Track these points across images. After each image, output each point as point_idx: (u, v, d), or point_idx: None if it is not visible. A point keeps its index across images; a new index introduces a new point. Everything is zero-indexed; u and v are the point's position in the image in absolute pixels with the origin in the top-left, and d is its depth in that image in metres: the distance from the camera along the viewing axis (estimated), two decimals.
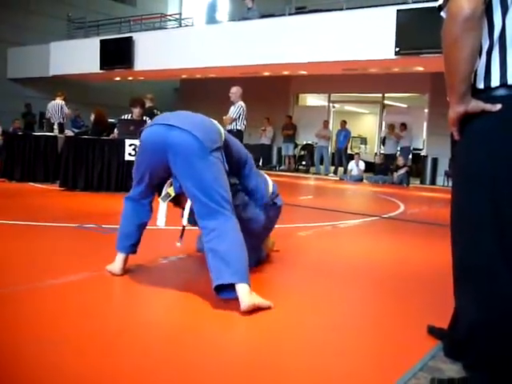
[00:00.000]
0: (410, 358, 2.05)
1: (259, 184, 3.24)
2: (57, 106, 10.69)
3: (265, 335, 2.29)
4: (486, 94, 1.73)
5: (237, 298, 2.47)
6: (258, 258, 3.40)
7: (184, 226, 2.98)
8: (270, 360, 2.00)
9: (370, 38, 11.58)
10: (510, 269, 1.75)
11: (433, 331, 2.27)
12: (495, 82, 1.71)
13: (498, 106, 1.69)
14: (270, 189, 3.34)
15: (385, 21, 11.27)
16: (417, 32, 10.39)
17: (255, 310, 2.46)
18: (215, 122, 2.94)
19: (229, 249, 2.56)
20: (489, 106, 1.70)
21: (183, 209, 2.93)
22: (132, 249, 3.04)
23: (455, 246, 1.86)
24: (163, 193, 2.90)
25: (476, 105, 1.72)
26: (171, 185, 2.87)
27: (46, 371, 1.77)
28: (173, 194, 2.87)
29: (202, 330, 2.29)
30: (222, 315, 2.45)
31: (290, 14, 13.91)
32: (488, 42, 1.71)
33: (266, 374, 1.87)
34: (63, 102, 10.80)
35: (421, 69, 12.73)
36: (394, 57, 11.28)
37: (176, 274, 3.27)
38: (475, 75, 1.75)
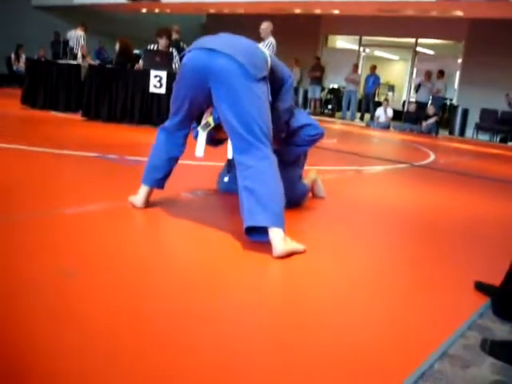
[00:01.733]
0: (457, 316, 1.88)
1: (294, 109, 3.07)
2: (74, 37, 10.57)
3: (298, 286, 2.13)
4: None
5: (269, 242, 2.30)
6: (303, 191, 3.31)
7: (229, 160, 2.81)
8: (300, 313, 1.84)
9: None
10: None
11: (481, 287, 2.09)
12: None
13: None
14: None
15: None
16: None
17: (289, 255, 2.30)
18: (260, 46, 2.69)
19: (265, 190, 2.36)
20: None
21: (220, 141, 2.77)
22: (159, 183, 2.85)
23: None
24: (203, 122, 2.72)
25: None
26: (211, 114, 2.67)
27: (58, 304, 1.62)
28: (212, 124, 2.67)
29: (231, 274, 2.13)
30: (253, 257, 2.28)
31: None
32: None
33: (294, 329, 1.71)
34: (82, 34, 10.68)
35: (460, 13, 12.11)
36: None
37: (203, 210, 3.10)
38: None
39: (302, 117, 3.18)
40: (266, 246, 2.31)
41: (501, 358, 1.59)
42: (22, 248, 2.09)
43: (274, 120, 2.61)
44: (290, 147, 3.15)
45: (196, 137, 2.82)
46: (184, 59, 2.60)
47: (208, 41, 2.58)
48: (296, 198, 3.24)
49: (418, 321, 1.84)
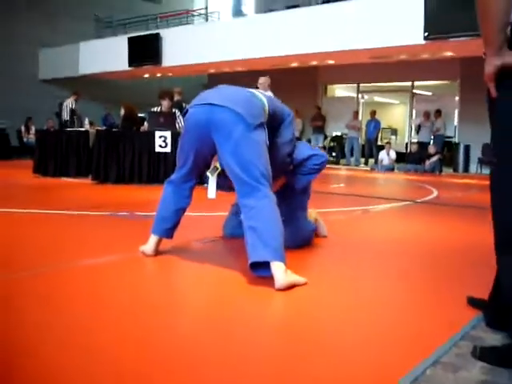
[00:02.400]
0: (451, 329, 2.00)
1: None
2: (65, 104, 11.53)
3: (299, 311, 2.26)
4: None
5: (272, 276, 2.45)
6: (311, 230, 3.49)
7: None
8: (302, 335, 1.98)
9: (398, 23, 11.39)
10: None
11: (473, 302, 2.22)
12: None
13: None
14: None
15: (413, 5, 11.06)
16: (445, 15, 10.17)
17: (291, 287, 2.44)
18: (257, 93, 2.91)
19: (265, 226, 2.54)
20: None
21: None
22: (167, 233, 3.03)
23: (502, 207, 1.80)
24: (211, 167, 2.95)
25: None
26: (218, 160, 2.89)
27: (80, 346, 1.77)
28: (219, 168, 2.89)
29: (236, 306, 2.28)
30: (257, 291, 2.43)
31: (315, 4, 13.80)
32: None
33: (297, 348, 1.85)
34: (71, 100, 11.43)
35: (450, 54, 12.48)
36: (422, 42, 11.07)
37: (210, 254, 3.25)
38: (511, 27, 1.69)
39: (306, 148, 3.41)
40: (270, 280, 2.45)
41: (490, 361, 1.71)
42: (43, 296, 2.26)
43: (275, 153, 2.87)
44: (298, 176, 3.36)
45: (206, 180, 3.04)
46: (187, 115, 2.84)
47: (207, 96, 2.82)
48: (306, 237, 3.43)
49: (414, 333, 1.98)
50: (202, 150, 2.84)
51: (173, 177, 3.03)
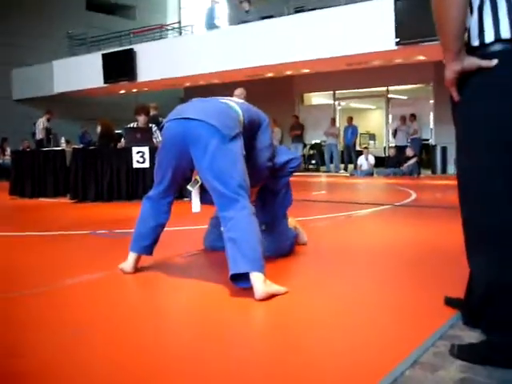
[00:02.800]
0: (429, 328, 2.02)
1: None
2: (37, 124, 11.65)
3: (280, 320, 2.27)
4: (482, 51, 1.71)
5: (252, 287, 2.45)
6: (290, 240, 3.48)
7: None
8: (285, 344, 1.99)
9: (370, 30, 11.54)
10: None
11: (450, 302, 2.24)
12: (489, 37, 1.69)
13: (494, 62, 1.67)
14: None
15: (383, 12, 11.22)
16: (416, 21, 10.30)
17: (271, 297, 2.45)
18: (232, 103, 2.90)
19: (243, 237, 2.54)
20: (485, 63, 1.68)
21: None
22: (146, 250, 3.02)
23: (467, 207, 1.83)
24: (192, 180, 2.94)
25: (472, 62, 1.70)
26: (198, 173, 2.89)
27: (70, 362, 1.76)
28: (200, 181, 2.88)
29: (217, 317, 2.28)
30: (239, 303, 2.44)
31: (288, 14, 13.91)
32: None
33: (277, 353, 1.85)
34: (42, 120, 11.42)
35: (423, 58, 12.65)
36: (395, 47, 11.23)
37: (191, 268, 3.26)
38: (469, 33, 1.73)
39: (284, 153, 3.45)
40: (251, 291, 2.45)
41: (467, 359, 1.73)
42: (27, 315, 2.24)
43: (255, 159, 2.93)
44: (277, 179, 3.38)
45: (186, 194, 3.05)
46: (163, 130, 2.85)
47: (182, 110, 2.83)
48: (288, 245, 3.45)
49: (393, 335, 2.01)
50: (180, 165, 2.84)
51: (151, 193, 3.01)
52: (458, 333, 1.99)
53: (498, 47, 1.69)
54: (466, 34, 1.73)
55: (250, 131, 2.94)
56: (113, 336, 2.04)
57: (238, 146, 2.72)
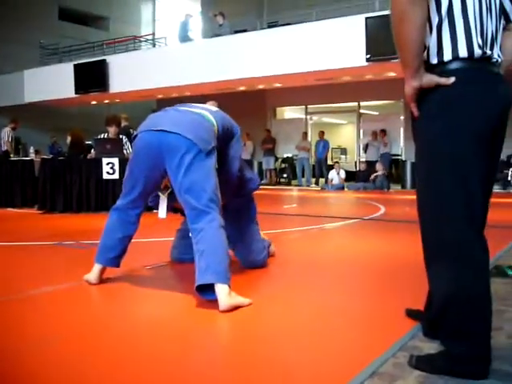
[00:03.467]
0: (390, 339, 2.05)
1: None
2: (2, 134, 11.12)
3: (241, 330, 2.29)
4: (440, 69, 1.77)
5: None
6: (263, 252, 3.48)
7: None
8: (248, 352, 2.00)
9: (342, 46, 11.73)
10: (480, 242, 1.77)
11: (411, 313, 2.29)
12: (447, 55, 1.75)
13: (452, 79, 1.73)
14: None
15: (355, 29, 11.43)
16: (386, 38, 10.35)
17: (235, 308, 2.46)
18: (206, 113, 2.90)
19: (211, 249, 2.56)
20: (443, 80, 1.74)
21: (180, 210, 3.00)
22: (112, 262, 2.99)
23: (426, 224, 1.88)
24: (162, 186, 2.95)
25: (430, 79, 1.76)
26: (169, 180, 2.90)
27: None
28: (170, 188, 2.89)
29: (181, 327, 2.28)
30: (204, 314, 2.44)
31: (261, 29, 14.05)
32: (437, 18, 1.75)
33: (238, 362, 1.86)
34: (7, 130, 11.02)
35: (393, 74, 12.87)
36: (365, 64, 11.42)
37: (157, 279, 3.24)
38: (428, 51, 1.78)
39: (247, 168, 3.48)
40: (216, 303, 2.46)
41: (425, 369, 1.77)
42: None
43: (229, 168, 2.98)
44: (239, 199, 3.38)
45: (151, 202, 3.07)
46: (136, 140, 2.84)
47: (158, 121, 2.83)
48: (262, 259, 3.45)
49: (355, 346, 2.04)
50: (152, 176, 2.84)
51: (118, 203, 2.98)
52: (418, 344, 2.03)
53: (455, 65, 1.75)
54: (426, 52, 1.78)
55: (224, 140, 2.97)
56: (75, 346, 2.02)
57: (212, 161, 2.75)
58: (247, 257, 3.35)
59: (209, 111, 2.97)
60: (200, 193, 2.64)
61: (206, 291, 2.54)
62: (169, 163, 2.70)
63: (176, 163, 2.67)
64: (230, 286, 2.49)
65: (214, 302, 2.48)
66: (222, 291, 2.45)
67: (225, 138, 2.98)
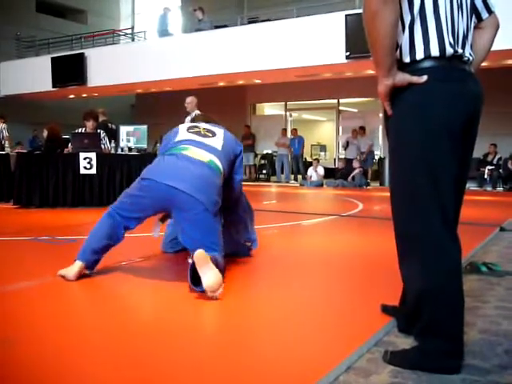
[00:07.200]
0: (365, 335, 2.07)
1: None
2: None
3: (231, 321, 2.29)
4: (412, 67, 1.79)
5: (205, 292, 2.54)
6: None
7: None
8: (235, 339, 2.00)
9: (321, 43, 11.76)
10: (452, 238, 1.80)
11: (386, 309, 2.30)
12: (420, 54, 1.77)
13: (424, 78, 1.75)
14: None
15: (335, 26, 11.47)
16: (365, 35, 10.55)
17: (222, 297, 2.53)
18: (215, 160, 3.05)
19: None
20: (415, 78, 1.76)
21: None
22: (93, 265, 3.02)
23: (398, 219, 1.90)
24: (162, 215, 3.18)
25: (403, 77, 1.77)
26: None
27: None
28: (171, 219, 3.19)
29: (166, 321, 2.28)
30: (189, 308, 2.47)
31: (242, 24, 14.02)
32: (409, 17, 1.77)
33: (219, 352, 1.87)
34: (2, 125, 10.73)
35: (372, 72, 12.92)
36: (345, 61, 11.47)
37: (141, 273, 3.22)
38: (401, 50, 1.80)
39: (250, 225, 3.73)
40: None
41: (398, 364, 1.79)
42: None
43: (229, 191, 3.27)
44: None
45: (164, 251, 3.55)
46: (145, 182, 2.93)
47: (170, 174, 2.91)
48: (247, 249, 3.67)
49: (330, 341, 2.05)
50: (156, 212, 3.05)
51: (117, 211, 3.02)
52: (393, 339, 2.05)
53: (427, 64, 1.77)
54: (398, 51, 1.80)
55: (229, 173, 3.24)
56: (50, 342, 2.00)
57: (218, 217, 3.02)
58: (234, 243, 3.48)
59: (217, 154, 3.09)
60: (204, 243, 2.77)
61: (200, 284, 2.57)
62: (177, 213, 2.90)
63: (183, 215, 2.85)
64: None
65: (200, 295, 2.56)
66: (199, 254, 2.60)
67: (229, 171, 3.24)
